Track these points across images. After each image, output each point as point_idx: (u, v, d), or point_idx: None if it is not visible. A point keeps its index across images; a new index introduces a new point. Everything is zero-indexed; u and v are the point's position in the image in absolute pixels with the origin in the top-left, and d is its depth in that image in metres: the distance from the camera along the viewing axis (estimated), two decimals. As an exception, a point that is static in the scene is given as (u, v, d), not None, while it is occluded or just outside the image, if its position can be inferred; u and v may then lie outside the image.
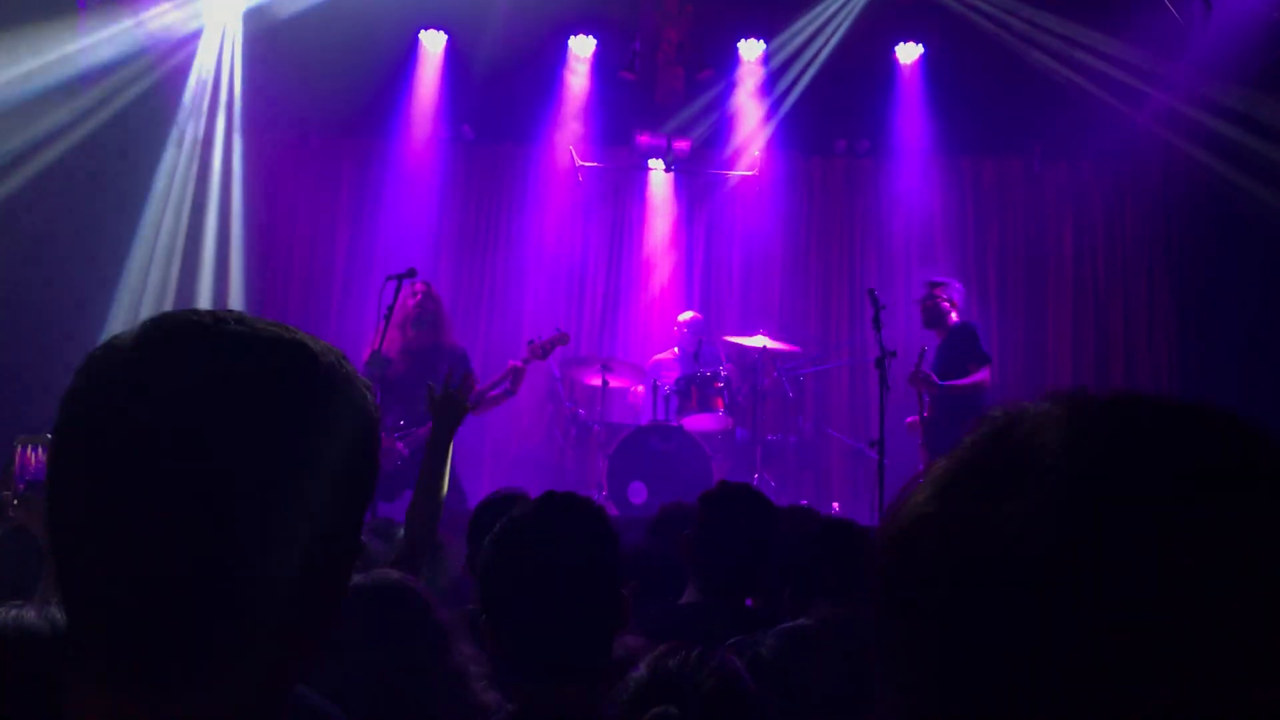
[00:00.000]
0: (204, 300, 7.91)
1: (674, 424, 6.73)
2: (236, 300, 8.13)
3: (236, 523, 0.68)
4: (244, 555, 0.69)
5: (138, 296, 7.55)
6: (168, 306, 7.51)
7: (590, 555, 1.71)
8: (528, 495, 3.12)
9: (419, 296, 5.86)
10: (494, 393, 5.78)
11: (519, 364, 5.73)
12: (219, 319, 0.73)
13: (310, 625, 0.74)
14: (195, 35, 7.93)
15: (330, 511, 0.73)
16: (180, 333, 0.72)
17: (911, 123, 8.53)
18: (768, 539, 2.84)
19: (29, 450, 3.92)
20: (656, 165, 8.62)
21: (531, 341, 5.89)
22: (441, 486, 2.76)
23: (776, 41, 8.47)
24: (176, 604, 0.68)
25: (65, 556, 0.70)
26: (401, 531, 3.31)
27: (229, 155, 8.24)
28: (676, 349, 7.54)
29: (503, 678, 1.74)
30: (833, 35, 8.35)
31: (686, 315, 7.62)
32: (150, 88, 7.53)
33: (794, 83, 8.52)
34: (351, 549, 0.77)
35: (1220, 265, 7.75)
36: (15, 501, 2.94)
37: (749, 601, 2.97)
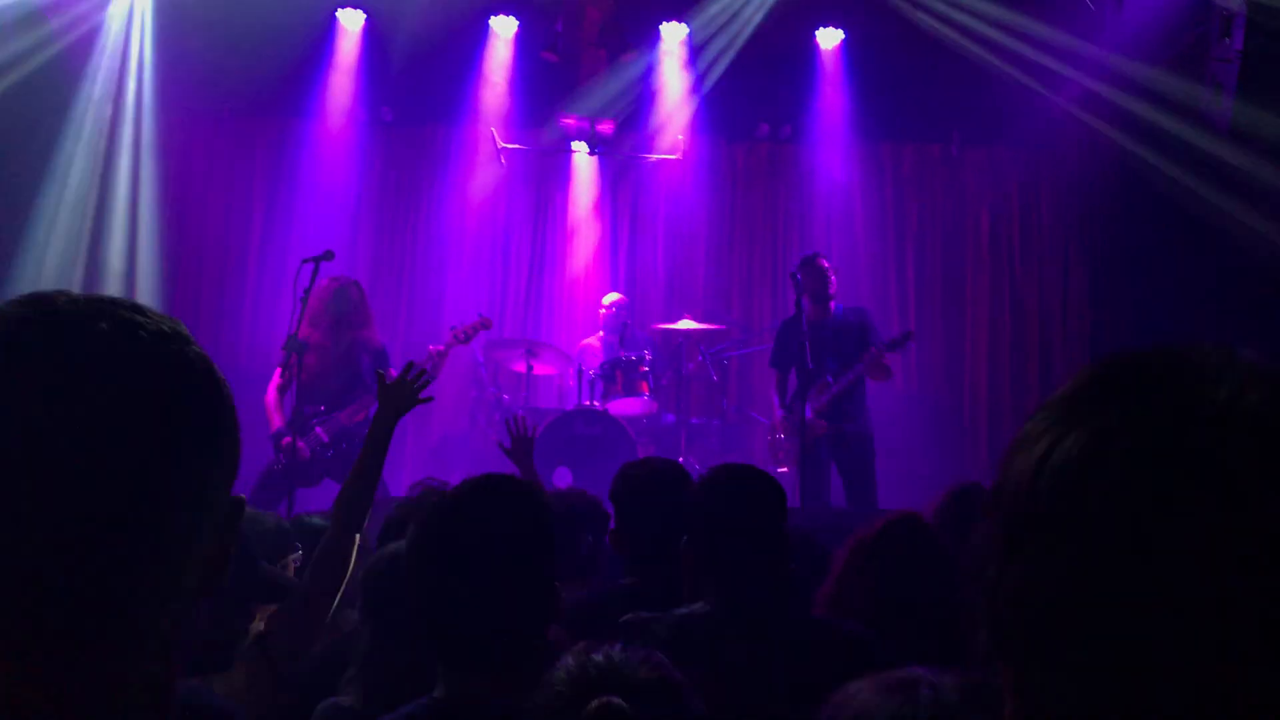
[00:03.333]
0: (113, 282, 7.66)
1: (599, 408, 6.72)
2: (146, 282, 7.89)
3: (100, 498, 0.68)
4: (100, 538, 0.69)
5: (38, 276, 7.29)
6: (75, 287, 7.28)
7: (523, 540, 1.67)
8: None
9: (339, 289, 5.75)
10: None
11: (441, 348, 5.67)
12: (60, 296, 0.74)
13: (177, 604, 0.74)
14: (102, 5, 7.64)
15: (186, 494, 0.73)
16: (24, 309, 0.72)
17: (833, 108, 8.59)
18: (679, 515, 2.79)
19: None
20: (580, 148, 8.56)
21: (454, 327, 5.84)
22: (378, 472, 2.72)
23: (698, 24, 8.45)
24: (36, 588, 0.67)
25: None
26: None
27: (138, 133, 7.97)
28: (602, 333, 7.51)
29: (431, 665, 1.71)
30: (754, 19, 8.36)
31: (612, 297, 7.59)
32: (52, 58, 7.24)
33: (716, 66, 8.52)
34: (217, 531, 0.76)
35: (1135, 248, 7.95)
36: None
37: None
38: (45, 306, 0.72)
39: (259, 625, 2.48)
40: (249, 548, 2.28)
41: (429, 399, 2.91)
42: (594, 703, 1.30)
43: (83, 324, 0.71)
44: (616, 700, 1.31)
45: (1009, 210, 8.80)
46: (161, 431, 0.71)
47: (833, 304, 6.22)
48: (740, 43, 8.43)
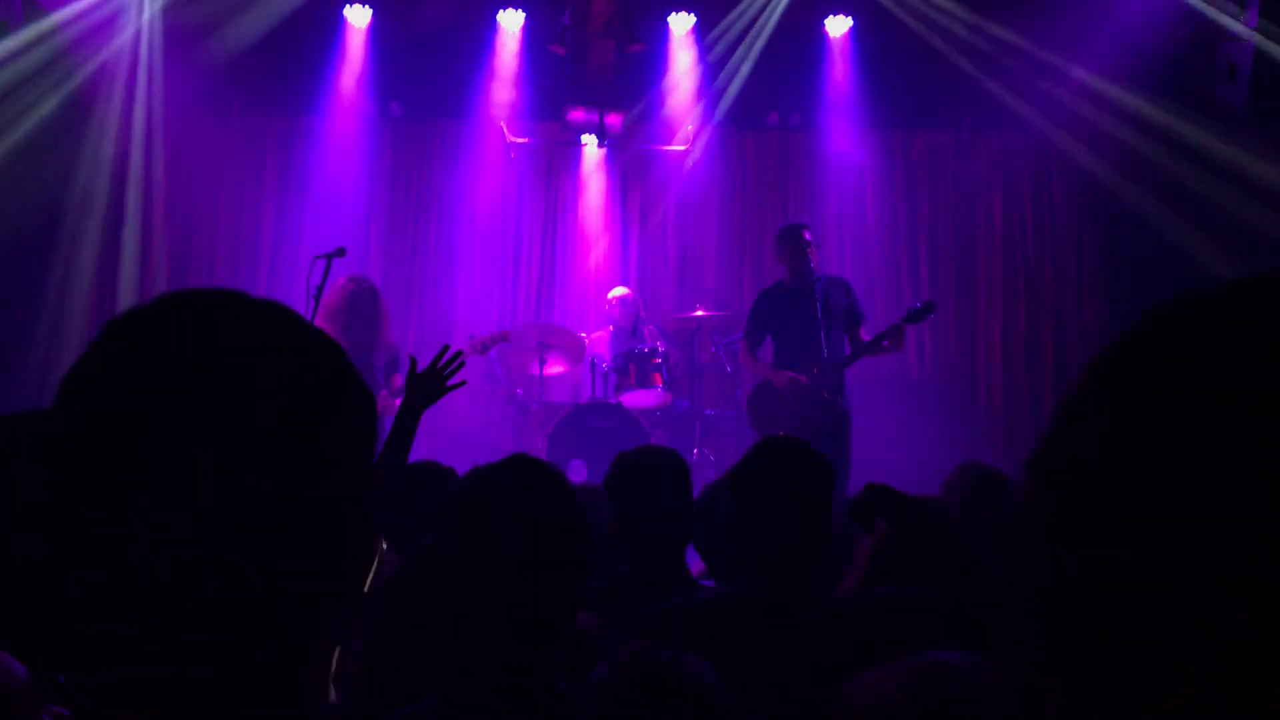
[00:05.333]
0: (126, 284, 7.70)
1: (612, 401, 6.71)
2: (161, 283, 7.92)
3: (250, 488, 0.69)
4: (257, 522, 0.69)
5: (62, 282, 7.35)
6: (90, 291, 7.41)
7: (557, 520, 1.64)
8: (452, 471, 3.07)
9: (355, 289, 5.77)
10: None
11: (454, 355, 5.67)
12: (228, 296, 0.76)
13: (328, 592, 0.75)
14: (113, 19, 7.63)
15: (340, 478, 0.75)
16: (188, 306, 0.74)
17: (842, 96, 8.55)
18: (674, 500, 2.72)
19: None
20: (589, 140, 8.55)
21: (472, 337, 5.86)
22: (403, 460, 2.75)
23: (707, 15, 8.42)
24: (190, 569, 0.68)
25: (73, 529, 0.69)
26: None
27: (150, 138, 7.98)
28: (611, 326, 7.51)
29: (458, 648, 1.68)
30: (763, 8, 8.34)
31: (617, 292, 7.58)
32: (72, 80, 7.30)
33: (725, 56, 8.49)
34: (364, 529, 0.78)
35: (1147, 229, 7.89)
36: None
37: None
38: (236, 297, 0.76)
39: None
40: None
41: (460, 384, 2.92)
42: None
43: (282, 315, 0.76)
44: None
45: (1021, 195, 8.76)
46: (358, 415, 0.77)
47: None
48: (749, 32, 8.40)
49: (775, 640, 2.09)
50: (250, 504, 0.69)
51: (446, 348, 2.91)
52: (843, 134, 8.61)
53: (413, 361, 2.89)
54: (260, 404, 0.70)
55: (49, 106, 7.09)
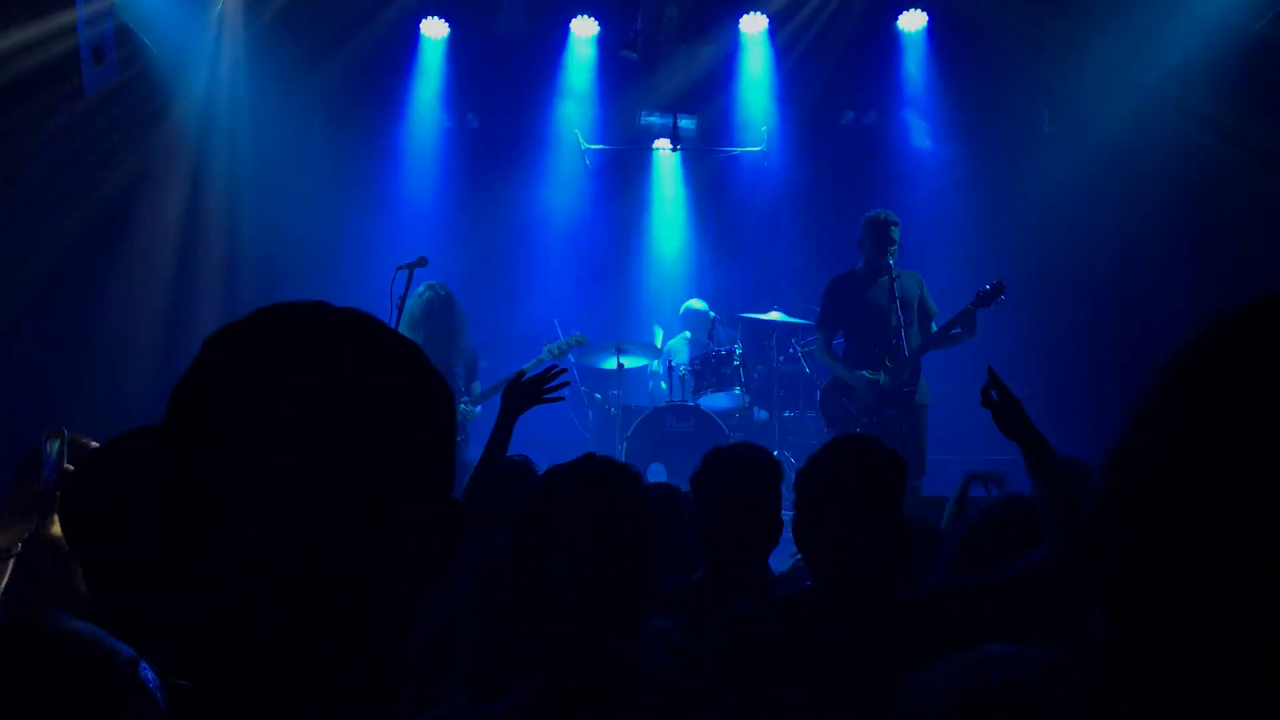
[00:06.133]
0: (212, 299, 7.89)
1: (691, 404, 6.72)
2: (244, 296, 8.10)
3: (343, 484, 0.73)
4: (351, 515, 0.73)
5: (149, 295, 7.54)
6: (182, 306, 7.57)
7: (633, 522, 1.67)
8: (530, 463, 3.13)
9: (432, 296, 5.92)
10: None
11: (534, 365, 5.85)
12: (317, 307, 0.80)
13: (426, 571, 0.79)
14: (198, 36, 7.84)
15: (426, 480, 0.79)
16: (279, 318, 0.78)
17: (918, 91, 8.46)
18: (765, 500, 2.62)
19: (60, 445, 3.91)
20: (662, 144, 8.57)
21: (549, 344, 5.98)
22: (500, 459, 2.88)
23: (779, 14, 8.39)
24: (290, 569, 0.71)
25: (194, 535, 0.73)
26: None
27: (233, 153, 8.18)
28: (688, 333, 7.52)
29: (531, 647, 1.71)
30: (836, 5, 8.28)
31: (693, 305, 7.59)
32: (146, 71, 7.47)
33: (799, 55, 8.45)
34: (450, 517, 0.81)
35: (1238, 226, 7.65)
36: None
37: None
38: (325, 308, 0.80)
39: None
40: None
41: (558, 398, 2.98)
42: None
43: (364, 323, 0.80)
44: None
45: (1105, 187, 8.53)
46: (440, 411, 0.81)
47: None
48: (822, 30, 8.34)
49: (841, 641, 2.05)
50: (344, 498, 0.72)
51: (552, 369, 3.02)
52: (919, 130, 8.51)
53: (519, 375, 3.02)
54: (350, 406, 0.74)
55: (144, 138, 7.29)
